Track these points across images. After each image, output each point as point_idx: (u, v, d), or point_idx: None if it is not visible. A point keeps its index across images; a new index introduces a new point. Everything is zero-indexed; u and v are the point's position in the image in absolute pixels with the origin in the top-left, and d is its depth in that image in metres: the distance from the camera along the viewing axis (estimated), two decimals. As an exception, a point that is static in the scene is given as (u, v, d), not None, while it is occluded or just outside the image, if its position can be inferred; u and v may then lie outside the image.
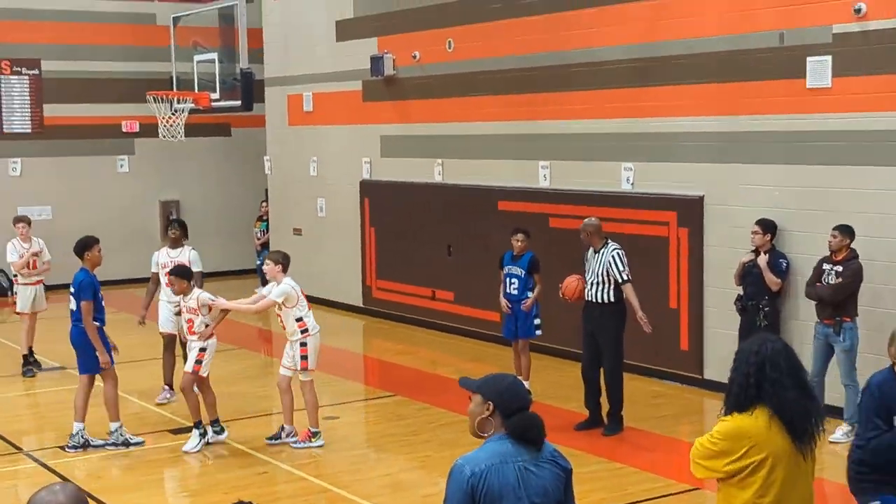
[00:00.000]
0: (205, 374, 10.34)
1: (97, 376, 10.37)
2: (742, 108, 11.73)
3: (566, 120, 13.78)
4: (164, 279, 11.66)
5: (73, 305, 10.26)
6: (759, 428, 4.72)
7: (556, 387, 12.44)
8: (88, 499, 8.72)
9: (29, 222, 14.10)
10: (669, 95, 12.49)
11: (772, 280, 10.93)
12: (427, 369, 13.92)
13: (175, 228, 12.12)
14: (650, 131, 12.73)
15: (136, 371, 13.21)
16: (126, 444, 10.38)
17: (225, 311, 10.42)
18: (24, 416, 12.21)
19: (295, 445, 10.27)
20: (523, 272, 11.72)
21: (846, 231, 10.28)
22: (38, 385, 13.38)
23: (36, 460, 9.96)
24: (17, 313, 14.05)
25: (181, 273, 10.42)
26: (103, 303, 10.48)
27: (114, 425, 10.41)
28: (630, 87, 12.92)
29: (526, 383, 11.47)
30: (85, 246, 10.41)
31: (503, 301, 11.91)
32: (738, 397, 4.78)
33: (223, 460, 10.00)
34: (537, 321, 11.79)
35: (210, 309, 10.26)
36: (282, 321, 10.42)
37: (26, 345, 13.72)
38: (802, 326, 10.98)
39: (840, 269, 10.21)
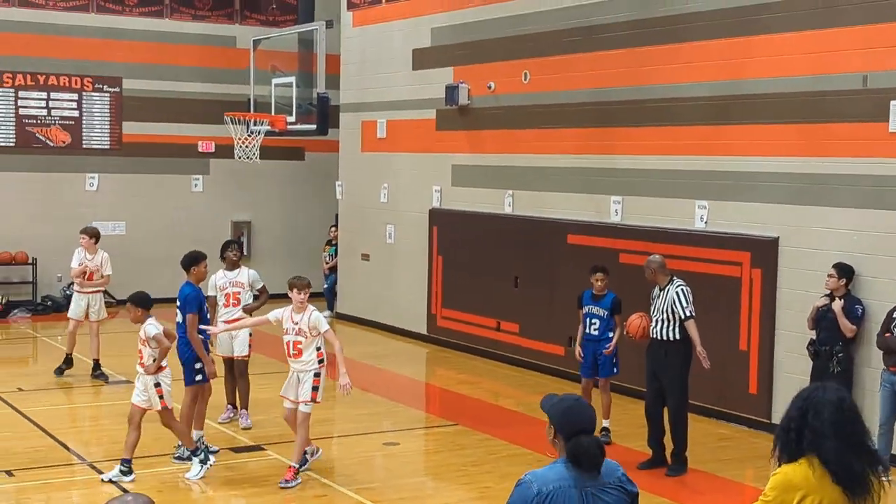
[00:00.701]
0: (170, 406, 9.93)
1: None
2: (821, 150, 11.53)
3: (641, 155, 13.67)
4: (221, 300, 11.69)
5: (178, 318, 10.51)
6: (808, 477, 4.59)
7: (617, 424, 12.27)
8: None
9: (91, 235, 14.28)
10: (747, 134, 12.33)
11: (847, 326, 10.70)
12: (489, 400, 13.82)
13: (235, 249, 11.99)
14: (726, 170, 12.57)
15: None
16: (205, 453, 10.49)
17: (167, 348, 9.83)
18: (87, 427, 12.33)
19: (281, 485, 9.77)
20: (606, 313, 11.44)
21: None
22: (104, 398, 13.51)
23: (99, 472, 10.01)
24: (68, 318, 14.45)
25: (137, 301, 10.04)
26: (208, 316, 10.79)
27: (197, 433, 10.56)
28: (707, 125, 12.78)
29: (606, 422, 11.48)
30: (193, 261, 10.71)
31: (579, 346, 11.62)
32: (784, 446, 4.68)
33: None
34: (615, 359, 11.56)
35: (160, 342, 9.76)
36: (295, 350, 9.85)
37: (71, 348, 14.22)
38: (876, 374, 10.71)
39: (911, 318, 9.96)
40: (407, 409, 13.24)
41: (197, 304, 10.43)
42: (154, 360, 9.77)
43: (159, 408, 9.86)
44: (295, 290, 9.77)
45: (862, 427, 4.75)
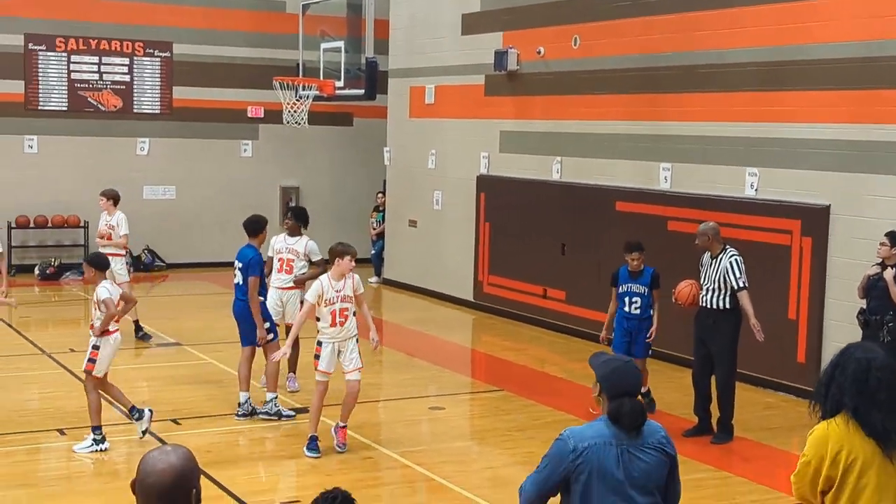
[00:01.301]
0: (99, 375, 9.68)
1: (258, 348, 10.80)
2: (874, 117, 11.37)
3: (690, 122, 13.54)
4: (276, 264, 11.78)
5: (238, 279, 10.71)
6: (843, 432, 4.67)
7: (662, 391, 12.24)
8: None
9: (109, 196, 14.29)
10: (798, 101, 12.17)
11: (897, 294, 10.55)
12: (535, 366, 13.84)
13: (289, 218, 12.06)
14: (777, 136, 12.43)
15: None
16: (279, 415, 10.72)
17: (112, 314, 9.53)
18: (139, 389, 12.49)
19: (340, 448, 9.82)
20: (645, 289, 11.03)
21: None
22: (154, 359, 13.69)
23: (149, 432, 10.16)
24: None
25: (92, 262, 9.92)
26: (267, 280, 11.00)
27: (270, 395, 10.73)
28: (758, 91, 12.64)
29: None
30: (260, 225, 10.92)
31: (605, 329, 11.28)
32: (818, 402, 4.79)
33: (329, 443, 10.06)
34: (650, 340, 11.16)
35: (107, 307, 9.50)
36: (342, 317, 9.69)
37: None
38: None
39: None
40: (452, 375, 13.30)
41: (259, 268, 10.66)
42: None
43: (83, 367, 9.77)
44: (348, 257, 9.59)
45: (894, 388, 4.76)
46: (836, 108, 11.76)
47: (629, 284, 11.12)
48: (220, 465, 9.34)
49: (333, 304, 9.61)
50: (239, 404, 10.81)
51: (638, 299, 11.07)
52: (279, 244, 11.91)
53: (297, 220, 11.92)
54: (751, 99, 12.71)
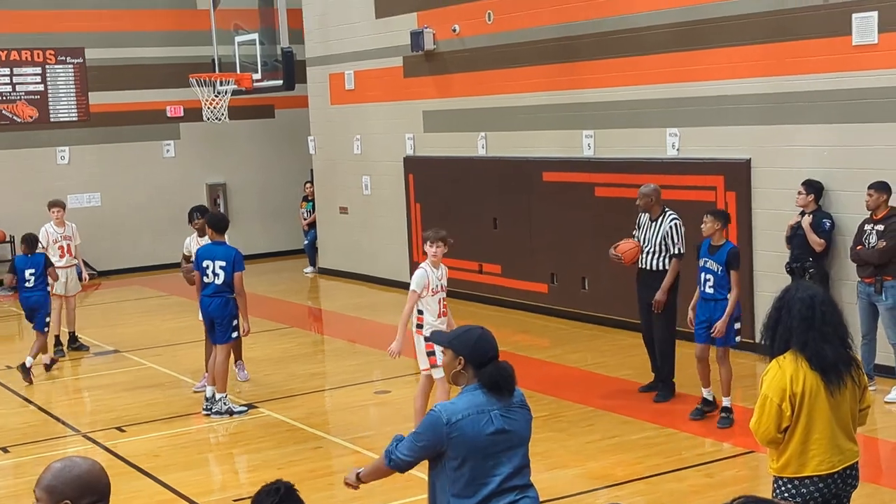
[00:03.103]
0: None
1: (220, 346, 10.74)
2: (787, 69, 11.57)
3: (609, 88, 13.67)
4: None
5: (216, 279, 10.60)
6: (793, 368, 5.03)
7: (604, 355, 12.42)
8: (145, 477, 8.81)
9: (63, 207, 14.19)
10: (712, 59, 12.35)
11: (815, 241, 10.77)
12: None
13: (197, 218, 11.84)
14: (694, 96, 12.61)
15: (188, 353, 13.38)
16: (230, 412, 10.70)
17: None
18: (80, 399, 12.38)
19: None
20: (720, 267, 9.55)
21: (882, 188, 10.12)
22: (93, 369, 13.55)
23: (94, 441, 10.09)
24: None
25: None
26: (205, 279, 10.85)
27: (220, 395, 10.72)
28: (673, 52, 12.79)
29: (726, 400, 9.69)
30: (226, 223, 10.90)
31: (692, 309, 9.83)
32: (768, 343, 5.14)
33: (278, 436, 10.08)
34: (737, 325, 9.67)
35: None
36: (442, 307, 9.36)
37: (58, 327, 13.83)
38: (851, 287, 10.86)
39: (881, 227, 10.06)
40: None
41: (242, 263, 10.66)
42: None
43: None
44: (440, 242, 9.28)
45: (837, 321, 5.16)
46: (751, 63, 11.95)
47: (705, 259, 9.69)
48: (170, 468, 9.30)
49: (438, 292, 9.29)
50: (209, 399, 10.75)
51: (711, 277, 9.62)
52: (195, 245, 11.66)
53: (212, 227, 11.33)
54: (667, 60, 12.87)
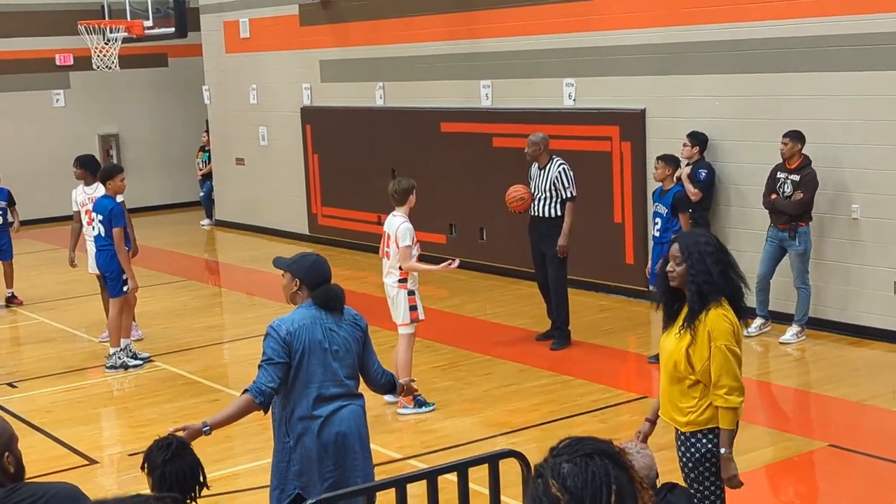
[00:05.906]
0: None
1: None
2: (682, 19, 11.70)
3: (506, 37, 13.68)
4: (84, 217, 11.30)
5: (97, 231, 10.42)
6: (729, 311, 5.09)
7: (502, 304, 12.53)
8: (38, 433, 8.66)
9: None
10: (608, 8, 12.43)
11: (690, 190, 10.84)
12: (376, 294, 13.88)
13: (76, 166, 11.52)
14: (590, 46, 12.69)
15: (82, 307, 13.14)
16: (125, 366, 10.57)
17: None
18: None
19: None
20: (667, 210, 10.00)
21: (797, 137, 10.27)
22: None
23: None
24: None
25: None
26: (128, 230, 10.70)
27: (113, 350, 10.58)
28: (569, 2, 12.83)
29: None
30: (109, 174, 10.60)
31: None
32: (700, 298, 5.06)
33: (174, 390, 9.98)
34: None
35: None
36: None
37: None
38: (734, 234, 11.14)
39: (797, 177, 10.24)
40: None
41: (123, 218, 10.40)
42: None
43: None
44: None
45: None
46: (646, 14, 12.06)
47: (656, 203, 10.26)
48: (64, 423, 9.15)
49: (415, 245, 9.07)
50: (108, 356, 10.62)
51: (659, 220, 10.15)
52: (80, 196, 11.38)
53: (86, 167, 11.38)
54: (564, 10, 12.91)
